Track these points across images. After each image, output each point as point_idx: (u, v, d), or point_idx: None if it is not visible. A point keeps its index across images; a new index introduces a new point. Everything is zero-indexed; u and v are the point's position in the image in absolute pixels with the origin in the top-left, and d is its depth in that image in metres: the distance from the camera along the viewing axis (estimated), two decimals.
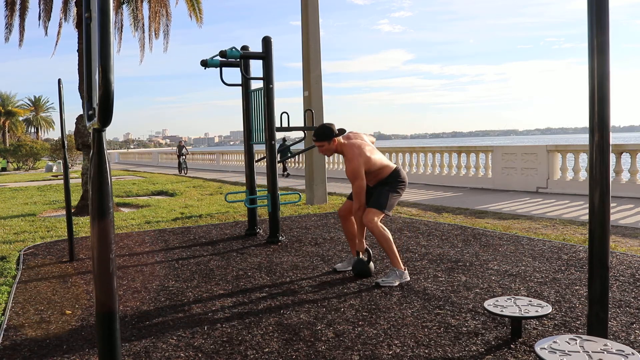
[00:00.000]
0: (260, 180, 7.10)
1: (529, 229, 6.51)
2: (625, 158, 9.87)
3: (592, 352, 2.24)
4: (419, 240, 5.83)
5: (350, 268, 4.58)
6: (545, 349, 2.29)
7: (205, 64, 6.14)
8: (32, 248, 6.09)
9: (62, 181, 12.39)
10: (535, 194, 10.50)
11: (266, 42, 6.04)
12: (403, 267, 4.19)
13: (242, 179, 15.21)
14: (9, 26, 12.33)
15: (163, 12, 13.54)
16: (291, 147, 18.94)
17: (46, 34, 12.42)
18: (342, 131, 4.31)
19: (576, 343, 2.34)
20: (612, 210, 3.70)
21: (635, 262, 4.56)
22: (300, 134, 7.33)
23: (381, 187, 4.28)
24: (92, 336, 3.17)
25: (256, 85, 6.54)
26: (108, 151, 1.63)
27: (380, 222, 4.17)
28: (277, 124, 6.16)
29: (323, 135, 4.26)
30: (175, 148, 27.32)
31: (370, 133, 4.68)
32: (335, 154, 4.46)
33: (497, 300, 3.11)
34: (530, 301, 3.08)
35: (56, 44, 13.44)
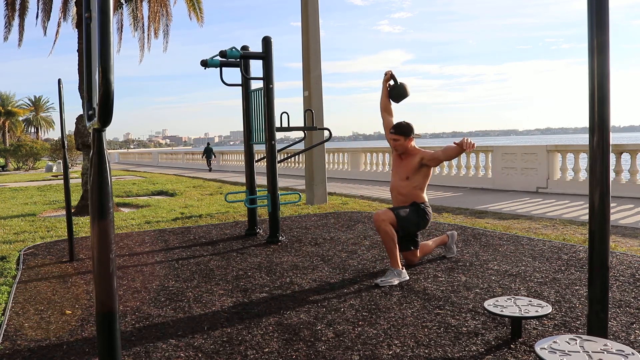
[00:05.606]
0: (260, 180, 7.10)
1: (529, 229, 6.51)
2: (625, 158, 9.87)
3: (592, 352, 2.24)
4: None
5: (455, 250, 4.94)
6: (545, 349, 2.29)
7: (205, 64, 6.14)
8: (32, 248, 6.09)
9: (62, 181, 12.39)
10: (535, 194, 10.51)
11: (266, 42, 6.04)
12: (401, 267, 4.21)
13: (242, 179, 15.21)
14: (8, 26, 12.33)
15: (163, 12, 13.55)
16: (291, 147, 19.20)
17: (45, 34, 12.42)
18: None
19: (576, 343, 2.34)
20: (612, 210, 3.70)
21: (635, 262, 4.56)
22: (300, 134, 7.33)
23: (410, 207, 4.40)
24: (92, 336, 3.17)
25: (256, 85, 6.55)
26: (108, 151, 1.63)
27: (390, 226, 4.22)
28: (277, 124, 6.16)
29: (406, 130, 4.42)
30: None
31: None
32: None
33: (497, 300, 3.11)
34: (530, 301, 3.08)
35: (54, 44, 13.44)
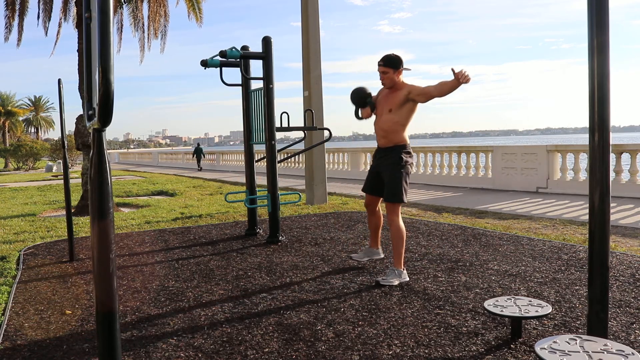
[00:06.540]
0: (260, 180, 7.10)
1: (529, 229, 6.51)
2: (625, 158, 9.87)
3: (592, 352, 2.24)
4: (419, 240, 5.83)
5: (366, 259, 4.80)
6: (545, 349, 2.29)
7: (205, 64, 6.14)
8: (32, 248, 6.09)
9: (62, 181, 12.39)
10: (535, 194, 10.51)
11: (266, 42, 6.04)
12: (403, 268, 4.21)
13: (242, 179, 15.21)
14: (8, 26, 12.32)
15: (162, 12, 13.54)
16: (291, 147, 19.31)
17: (46, 34, 12.41)
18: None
19: (576, 343, 2.34)
20: (612, 210, 3.70)
21: (635, 262, 4.56)
22: (301, 134, 7.33)
23: (391, 168, 4.20)
24: (92, 336, 3.17)
25: (256, 85, 6.55)
26: (108, 151, 1.63)
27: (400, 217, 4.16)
28: (277, 124, 6.16)
29: (394, 62, 4.16)
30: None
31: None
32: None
33: (497, 300, 3.11)
34: (530, 301, 3.08)
35: (55, 44, 13.43)
